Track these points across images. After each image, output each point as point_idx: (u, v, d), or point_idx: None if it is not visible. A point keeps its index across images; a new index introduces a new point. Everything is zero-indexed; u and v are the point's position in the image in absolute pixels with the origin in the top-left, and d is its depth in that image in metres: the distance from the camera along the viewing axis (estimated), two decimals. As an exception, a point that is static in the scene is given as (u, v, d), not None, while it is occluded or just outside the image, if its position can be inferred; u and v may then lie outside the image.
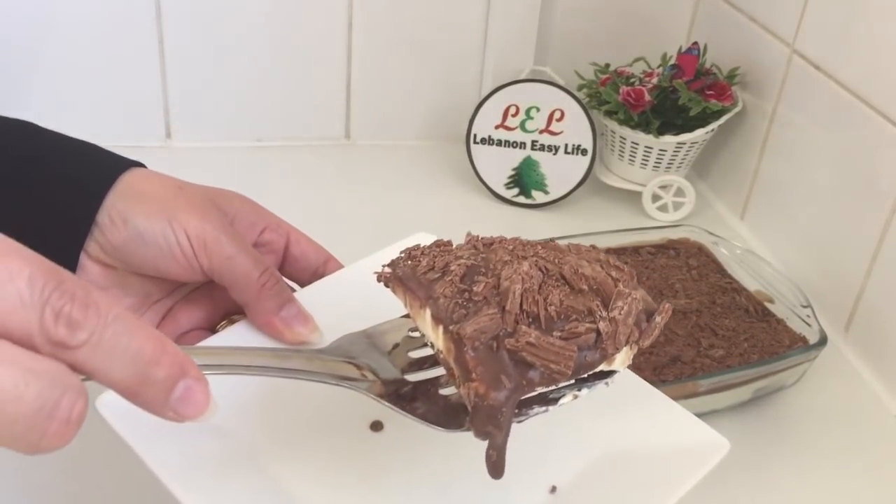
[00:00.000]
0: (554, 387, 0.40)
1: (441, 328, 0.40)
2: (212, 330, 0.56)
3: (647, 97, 0.93)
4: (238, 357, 0.42)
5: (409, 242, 0.45)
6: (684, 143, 0.95)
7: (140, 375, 0.30)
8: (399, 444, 0.51)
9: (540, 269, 0.41)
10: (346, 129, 1.08)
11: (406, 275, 0.42)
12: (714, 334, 0.73)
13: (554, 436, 0.50)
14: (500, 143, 0.98)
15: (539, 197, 0.98)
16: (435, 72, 1.06)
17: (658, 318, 0.42)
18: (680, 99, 0.92)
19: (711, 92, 0.94)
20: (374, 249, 0.57)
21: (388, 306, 0.48)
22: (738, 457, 0.65)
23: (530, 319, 0.39)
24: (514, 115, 0.97)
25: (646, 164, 0.97)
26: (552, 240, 0.45)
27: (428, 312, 0.40)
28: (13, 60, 0.95)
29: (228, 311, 0.56)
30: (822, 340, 0.71)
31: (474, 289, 0.40)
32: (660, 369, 0.68)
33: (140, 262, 0.51)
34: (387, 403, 0.44)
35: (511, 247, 0.43)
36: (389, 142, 1.09)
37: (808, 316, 0.73)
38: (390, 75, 1.05)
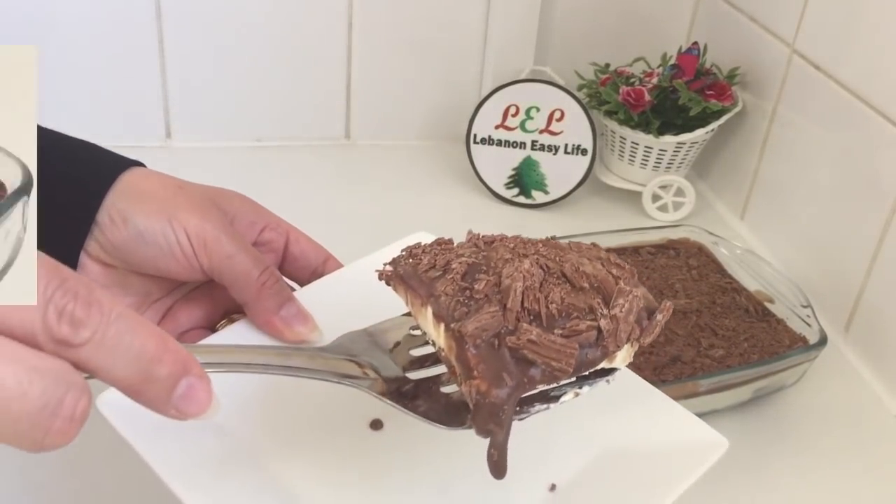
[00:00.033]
0: (555, 384, 0.40)
1: (442, 326, 0.40)
2: (212, 329, 0.56)
3: (647, 97, 0.93)
4: (240, 355, 0.42)
5: (409, 242, 0.45)
6: (684, 143, 0.95)
7: (143, 373, 0.30)
8: (399, 442, 0.51)
9: (541, 267, 0.41)
10: (346, 129, 1.08)
11: (407, 273, 0.42)
12: (714, 334, 0.73)
13: (553, 434, 0.51)
14: (500, 143, 0.98)
15: (539, 197, 0.98)
16: (435, 72, 1.06)
17: (659, 316, 0.42)
18: (680, 99, 0.92)
19: (711, 92, 0.94)
20: (374, 249, 0.57)
21: (388, 305, 0.48)
22: (739, 457, 0.66)
23: (531, 317, 0.39)
24: (514, 115, 0.97)
25: (646, 164, 0.97)
26: (553, 238, 0.45)
27: (429, 310, 0.40)
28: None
29: (228, 310, 0.56)
30: (822, 340, 0.71)
31: (475, 287, 0.40)
32: (660, 369, 0.68)
33: (140, 261, 0.51)
34: (388, 401, 0.44)
35: (512, 245, 0.43)
36: (389, 142, 1.09)
37: (808, 316, 0.73)
38: (390, 75, 1.05)
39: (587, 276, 0.41)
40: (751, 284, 0.79)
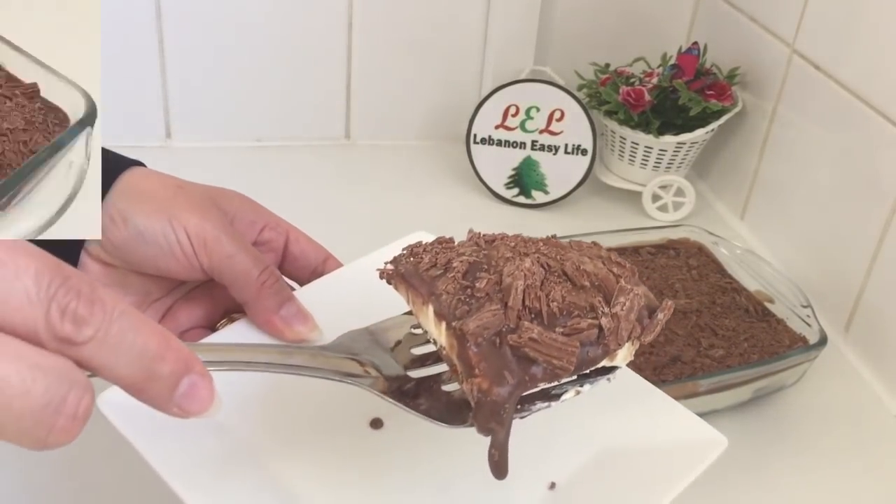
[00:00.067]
0: (556, 383, 0.40)
1: (444, 324, 0.40)
2: (212, 328, 0.56)
3: (647, 97, 0.93)
4: (242, 354, 0.42)
5: (408, 241, 0.45)
6: (684, 143, 0.95)
7: (145, 371, 0.30)
8: (399, 441, 0.51)
9: (542, 266, 0.41)
10: (346, 129, 1.08)
11: (408, 272, 0.42)
12: (714, 334, 0.73)
13: (552, 433, 0.51)
14: (500, 143, 0.98)
15: (539, 197, 0.98)
16: (435, 72, 1.06)
17: (660, 315, 0.42)
18: (680, 99, 0.92)
19: (711, 92, 0.94)
20: (374, 250, 0.57)
21: (387, 304, 0.48)
22: (739, 457, 0.66)
23: (533, 315, 0.39)
24: (514, 115, 0.97)
25: (646, 164, 0.97)
26: (553, 236, 0.45)
27: (431, 309, 0.41)
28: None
29: (228, 310, 0.56)
30: (822, 340, 0.71)
31: (477, 285, 0.40)
32: (660, 369, 0.68)
33: (140, 260, 0.51)
34: (390, 400, 0.44)
35: (513, 243, 0.43)
36: (389, 142, 1.09)
37: (808, 316, 0.73)
38: (390, 75, 1.05)
39: (588, 274, 0.41)
40: (751, 284, 0.79)
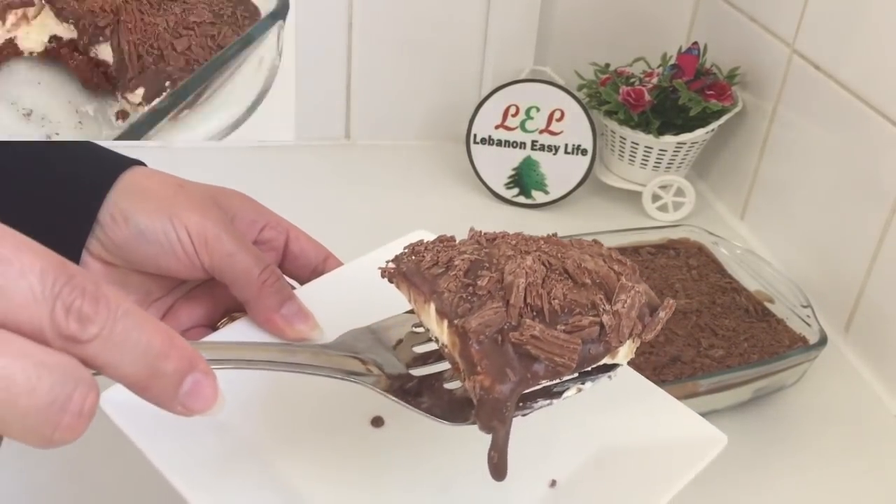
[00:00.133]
0: (558, 380, 0.40)
1: (446, 322, 0.40)
2: (212, 327, 0.56)
3: (647, 97, 0.93)
4: (245, 352, 0.43)
5: (409, 240, 0.46)
6: (684, 143, 0.95)
7: (149, 369, 0.30)
8: (400, 439, 0.51)
9: (543, 264, 0.41)
10: (345, 129, 1.08)
11: (410, 270, 0.42)
12: (714, 334, 0.73)
13: (553, 430, 0.51)
14: (500, 143, 0.98)
15: (539, 197, 0.98)
16: (434, 72, 1.06)
17: (662, 313, 0.42)
18: (680, 99, 0.92)
19: (711, 92, 0.94)
20: (373, 249, 0.57)
21: (388, 303, 0.48)
22: (739, 456, 0.66)
23: (534, 313, 0.39)
24: (514, 115, 0.97)
25: (646, 164, 0.97)
26: (554, 235, 0.45)
27: (432, 307, 0.41)
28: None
29: (229, 309, 0.56)
30: (822, 340, 0.71)
31: (478, 283, 0.40)
32: (660, 369, 0.68)
33: (141, 259, 0.52)
34: (393, 398, 0.44)
35: (514, 242, 0.43)
36: (389, 142, 1.09)
37: (808, 316, 0.73)
38: (390, 75, 1.05)
39: (589, 272, 0.41)
40: (751, 284, 0.79)
